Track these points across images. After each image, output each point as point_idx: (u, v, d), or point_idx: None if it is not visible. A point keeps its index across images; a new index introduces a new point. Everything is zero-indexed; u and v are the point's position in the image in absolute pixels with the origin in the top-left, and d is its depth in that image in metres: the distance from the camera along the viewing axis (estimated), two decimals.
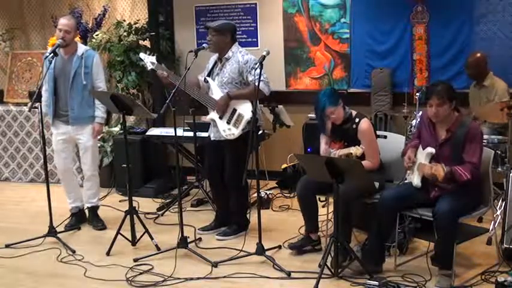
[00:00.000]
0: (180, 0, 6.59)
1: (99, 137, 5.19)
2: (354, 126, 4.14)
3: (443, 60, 5.70)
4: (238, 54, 4.51)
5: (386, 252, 4.01)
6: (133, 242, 4.53)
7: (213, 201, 5.19)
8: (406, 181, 3.91)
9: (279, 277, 3.91)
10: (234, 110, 4.48)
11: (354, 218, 4.10)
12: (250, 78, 4.37)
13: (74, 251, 4.45)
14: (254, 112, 4.10)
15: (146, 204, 5.59)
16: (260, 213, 4.19)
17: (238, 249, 4.28)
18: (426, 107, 3.75)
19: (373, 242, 3.90)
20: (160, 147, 6.25)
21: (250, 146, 4.07)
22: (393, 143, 4.39)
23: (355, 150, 3.82)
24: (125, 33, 6.25)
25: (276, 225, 4.95)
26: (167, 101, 4.01)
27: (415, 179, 3.78)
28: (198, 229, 4.80)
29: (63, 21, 4.69)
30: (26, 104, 6.33)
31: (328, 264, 3.83)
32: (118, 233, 4.46)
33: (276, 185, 6.06)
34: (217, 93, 4.54)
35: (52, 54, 4.53)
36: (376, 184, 4.09)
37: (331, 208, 4.29)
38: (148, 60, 4.55)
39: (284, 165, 6.03)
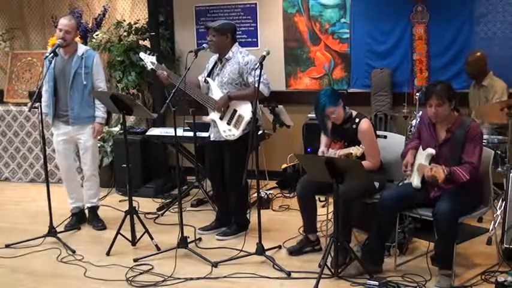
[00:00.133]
0: (180, 0, 6.58)
1: (99, 137, 5.19)
2: (354, 126, 4.14)
3: (443, 60, 5.70)
4: (239, 55, 4.50)
5: (386, 252, 4.01)
6: (134, 242, 4.53)
7: (213, 201, 5.19)
8: (405, 181, 3.91)
9: (279, 277, 3.91)
10: (235, 111, 4.48)
11: (353, 218, 4.10)
12: (251, 79, 4.37)
13: (74, 251, 4.45)
14: (254, 112, 4.10)
15: (146, 204, 5.59)
16: (260, 213, 4.19)
17: (238, 249, 4.28)
18: (426, 107, 3.75)
19: (373, 242, 3.90)
20: (160, 147, 6.25)
21: (250, 146, 4.07)
22: (393, 143, 4.38)
23: (355, 150, 3.81)
24: (125, 33, 6.25)
25: (276, 225, 4.95)
26: (167, 101, 4.00)
27: (415, 180, 3.77)
28: (198, 229, 4.81)
29: (64, 22, 4.69)
30: (26, 104, 6.34)
31: (328, 264, 3.83)
32: (118, 233, 4.46)
33: (276, 185, 6.06)
34: (217, 93, 4.54)
35: (52, 54, 4.53)
36: (376, 184, 4.09)
37: (331, 208, 4.28)
38: (149, 60, 4.55)
39: (284, 165, 6.03)
